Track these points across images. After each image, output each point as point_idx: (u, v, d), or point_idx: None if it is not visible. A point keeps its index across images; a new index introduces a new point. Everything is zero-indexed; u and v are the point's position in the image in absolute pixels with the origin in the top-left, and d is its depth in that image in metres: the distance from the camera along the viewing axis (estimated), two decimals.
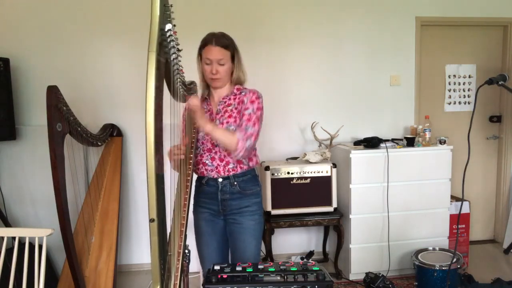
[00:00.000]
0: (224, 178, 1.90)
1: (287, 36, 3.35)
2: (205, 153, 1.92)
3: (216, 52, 1.81)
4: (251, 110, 1.87)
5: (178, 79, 1.61)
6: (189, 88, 1.85)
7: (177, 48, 1.44)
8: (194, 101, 1.72)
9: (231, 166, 1.89)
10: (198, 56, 1.91)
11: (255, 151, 2.00)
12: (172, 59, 1.44)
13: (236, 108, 1.90)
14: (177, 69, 1.53)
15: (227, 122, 1.88)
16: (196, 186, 2.01)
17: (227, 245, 2.03)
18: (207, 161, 1.91)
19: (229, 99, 1.93)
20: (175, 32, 1.36)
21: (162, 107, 1.26)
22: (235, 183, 1.90)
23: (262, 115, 1.93)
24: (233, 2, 3.27)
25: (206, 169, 1.91)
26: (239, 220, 1.92)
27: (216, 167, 1.89)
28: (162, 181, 1.28)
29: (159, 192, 1.22)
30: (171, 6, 1.29)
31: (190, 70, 1.84)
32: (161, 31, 1.25)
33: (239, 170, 1.90)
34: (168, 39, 1.34)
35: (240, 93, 1.94)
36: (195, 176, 1.96)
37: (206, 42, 1.84)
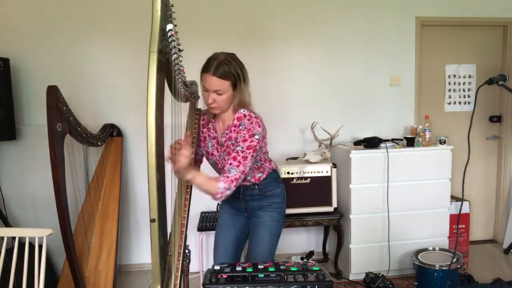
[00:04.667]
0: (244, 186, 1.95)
1: (287, 35, 3.35)
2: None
3: (213, 83, 1.71)
4: (240, 148, 1.75)
5: (179, 79, 1.61)
6: (190, 88, 1.85)
7: (178, 48, 1.44)
8: (183, 161, 1.57)
9: (248, 183, 1.93)
10: (201, 76, 1.78)
11: (265, 160, 1.97)
12: (173, 59, 1.44)
13: (233, 145, 1.83)
14: (178, 69, 1.54)
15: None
16: None
17: (242, 243, 2.10)
18: None
19: (230, 131, 1.85)
20: (176, 32, 1.36)
21: (163, 107, 1.26)
22: (256, 187, 1.95)
23: (256, 150, 1.78)
24: (233, 3, 3.27)
25: None
26: (259, 214, 1.97)
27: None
28: (163, 181, 1.28)
29: (160, 192, 1.22)
30: (172, 6, 1.29)
31: (191, 70, 1.84)
32: (162, 31, 1.25)
33: (257, 181, 1.95)
34: (169, 39, 1.34)
35: (240, 125, 1.82)
36: None
37: (205, 68, 1.71)
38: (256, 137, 1.76)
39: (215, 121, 1.93)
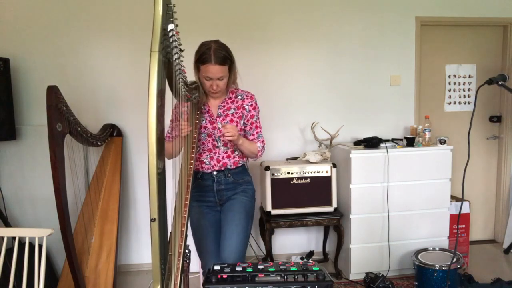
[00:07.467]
0: (218, 171, 2.05)
1: (288, 36, 3.35)
2: (204, 152, 2.05)
3: (216, 71, 1.88)
4: (256, 117, 2.13)
5: (180, 79, 1.62)
6: (191, 88, 1.86)
7: (180, 48, 1.44)
8: (233, 131, 1.88)
9: (228, 165, 2.06)
10: (195, 67, 1.94)
11: None
12: (174, 59, 1.44)
13: (236, 113, 2.07)
14: (179, 69, 1.54)
15: None
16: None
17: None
18: (205, 160, 2.05)
19: (227, 102, 2.09)
20: (177, 32, 1.36)
21: (164, 107, 1.27)
22: (229, 174, 2.05)
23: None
24: (234, 3, 3.27)
25: (202, 167, 2.06)
26: (233, 197, 2.09)
27: (213, 166, 2.05)
28: (163, 181, 1.28)
29: (160, 192, 1.22)
30: (174, 6, 1.29)
31: (192, 70, 1.84)
32: (164, 31, 1.25)
33: (232, 166, 2.07)
34: (171, 39, 1.34)
35: (236, 96, 2.10)
36: None
37: (205, 60, 1.85)
38: (256, 101, 2.14)
39: (205, 98, 2.09)
